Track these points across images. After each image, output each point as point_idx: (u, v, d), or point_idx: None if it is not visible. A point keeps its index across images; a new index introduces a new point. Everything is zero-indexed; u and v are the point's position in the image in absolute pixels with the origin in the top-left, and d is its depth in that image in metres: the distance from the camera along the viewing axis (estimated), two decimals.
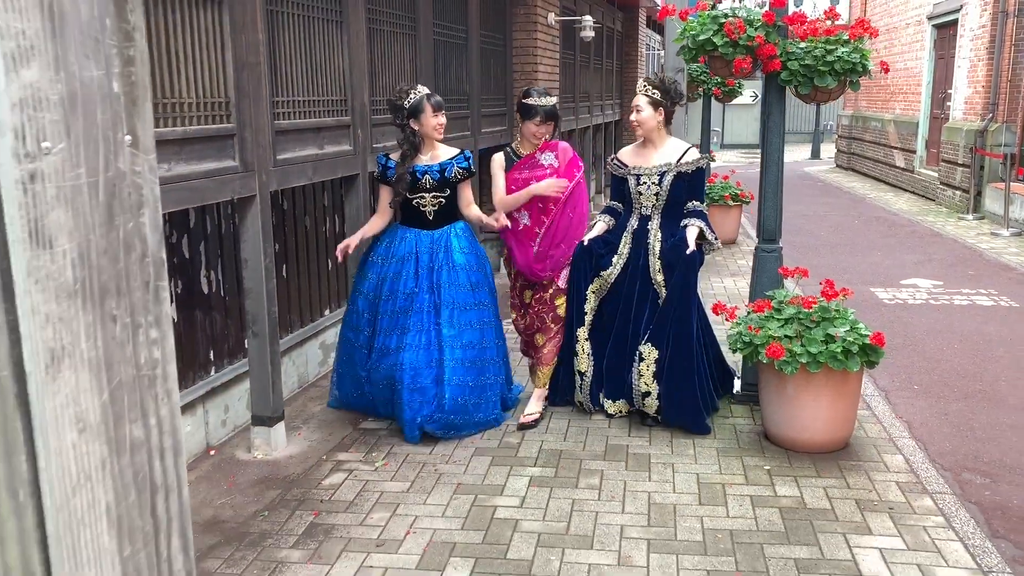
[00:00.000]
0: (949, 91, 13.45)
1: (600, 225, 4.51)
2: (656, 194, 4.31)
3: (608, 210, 4.58)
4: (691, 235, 4.21)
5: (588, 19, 8.47)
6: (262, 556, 3.20)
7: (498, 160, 4.44)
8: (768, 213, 4.52)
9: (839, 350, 3.78)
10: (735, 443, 4.17)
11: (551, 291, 4.47)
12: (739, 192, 9.64)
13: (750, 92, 25.70)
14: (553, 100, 4.33)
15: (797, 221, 11.69)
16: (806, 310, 3.95)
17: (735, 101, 12.60)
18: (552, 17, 8.35)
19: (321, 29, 4.53)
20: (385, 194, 4.28)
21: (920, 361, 5.49)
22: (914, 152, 14.96)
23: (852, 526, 3.35)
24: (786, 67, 4.21)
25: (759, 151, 19.66)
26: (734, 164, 19.23)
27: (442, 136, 4.22)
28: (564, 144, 4.47)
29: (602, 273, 4.38)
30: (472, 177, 4.34)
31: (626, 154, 4.49)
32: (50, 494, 0.78)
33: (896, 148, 16.00)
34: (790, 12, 4.32)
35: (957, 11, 13.03)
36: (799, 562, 3.09)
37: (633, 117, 4.34)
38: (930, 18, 14.44)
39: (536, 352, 4.58)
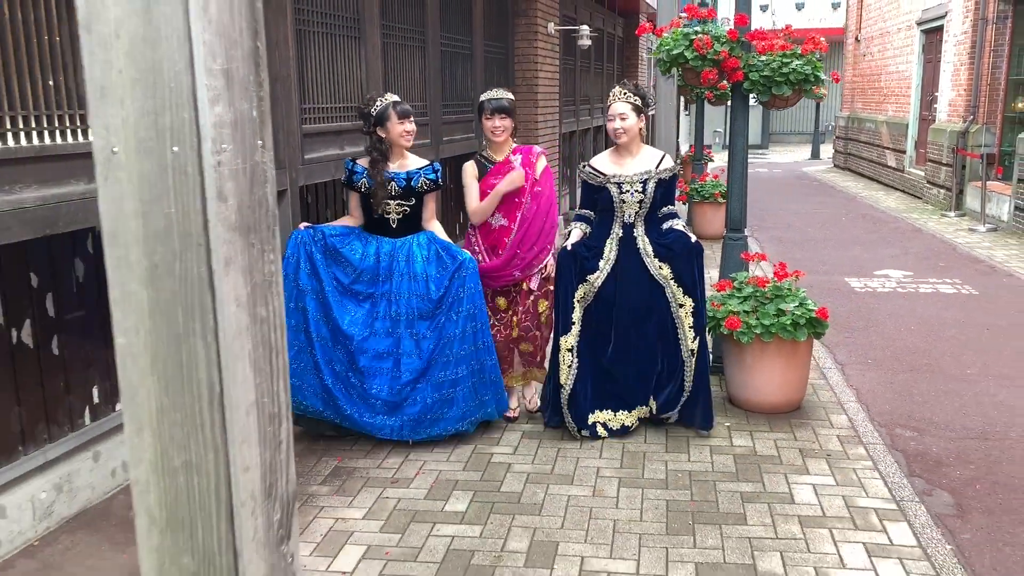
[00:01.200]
0: (936, 94, 14.01)
1: (577, 232, 4.42)
2: (640, 201, 4.26)
3: (580, 218, 4.46)
4: (682, 230, 4.32)
5: (585, 28, 9.08)
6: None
7: (469, 169, 4.43)
8: (734, 206, 5.14)
9: (788, 322, 4.39)
10: None
11: (532, 298, 4.47)
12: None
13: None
14: (505, 94, 4.36)
15: (788, 218, 12.28)
16: (761, 288, 4.56)
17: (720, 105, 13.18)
18: (552, 26, 8.96)
19: (342, 44, 5.16)
20: (354, 199, 4.28)
21: (877, 340, 6.09)
22: (904, 152, 15.52)
23: (793, 468, 3.96)
24: (748, 78, 4.82)
25: (761, 151, 20.40)
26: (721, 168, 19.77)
27: (410, 143, 4.21)
28: (537, 148, 4.52)
29: (588, 278, 4.27)
30: (438, 191, 4.35)
31: (602, 163, 4.38)
32: (223, 340, 1.41)
33: (888, 148, 16.55)
34: (752, 30, 4.92)
35: (943, 17, 13.59)
36: (744, 494, 3.70)
37: (618, 125, 4.23)
38: (919, 23, 15.00)
39: (522, 357, 4.59)
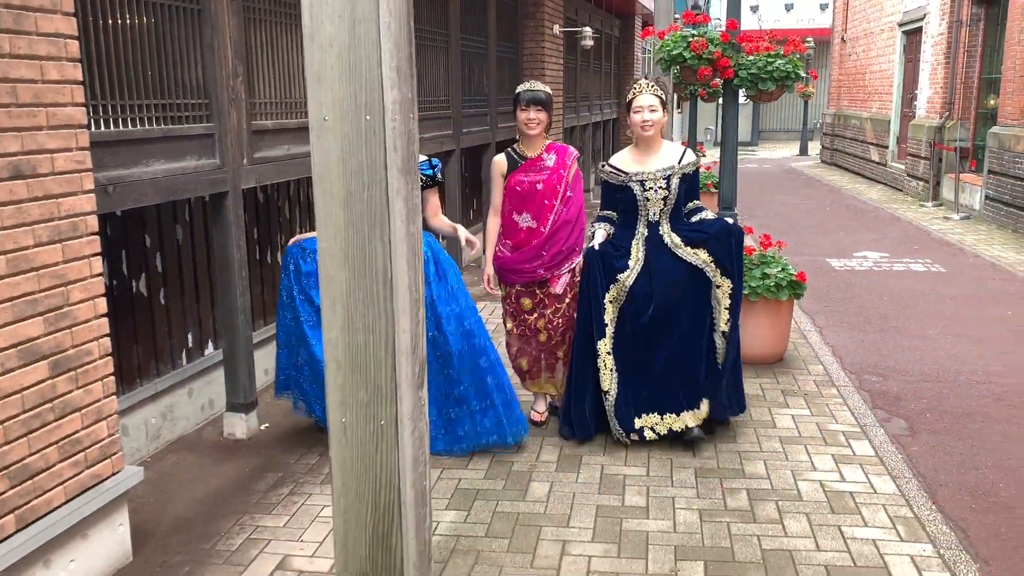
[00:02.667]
0: (916, 91, 14.80)
1: (601, 232, 4.25)
2: (664, 198, 4.08)
3: (603, 219, 4.31)
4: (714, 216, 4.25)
5: (588, 30, 9.82)
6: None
7: (498, 165, 4.23)
8: (725, 186, 5.88)
9: (772, 284, 5.13)
10: None
11: (567, 301, 4.25)
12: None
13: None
14: (541, 86, 4.17)
15: (776, 208, 13.04)
16: (748, 256, 5.31)
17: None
18: (557, 28, 9.70)
19: None
20: None
21: (852, 308, 6.85)
22: (887, 147, 16.32)
23: (776, 404, 4.70)
24: (737, 75, 5.56)
25: (751, 148, 21.21)
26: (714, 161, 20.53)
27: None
28: (573, 149, 4.31)
29: (619, 277, 4.07)
30: (437, 186, 4.14)
31: (622, 160, 4.20)
32: (393, 243, 2.13)
33: (872, 144, 17.35)
34: (740, 32, 5.67)
35: (921, 19, 14.38)
36: (734, 422, 4.43)
37: (647, 117, 4.03)
38: (900, 25, 15.79)
39: (551, 359, 4.36)
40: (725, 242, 4.09)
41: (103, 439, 3.04)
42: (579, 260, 4.21)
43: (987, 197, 11.33)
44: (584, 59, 12.69)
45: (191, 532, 3.40)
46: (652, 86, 4.13)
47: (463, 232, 4.12)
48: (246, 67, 4.25)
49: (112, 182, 3.39)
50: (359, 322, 2.17)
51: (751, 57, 5.56)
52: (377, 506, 2.25)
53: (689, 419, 4.08)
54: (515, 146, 4.26)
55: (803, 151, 25.38)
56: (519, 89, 4.20)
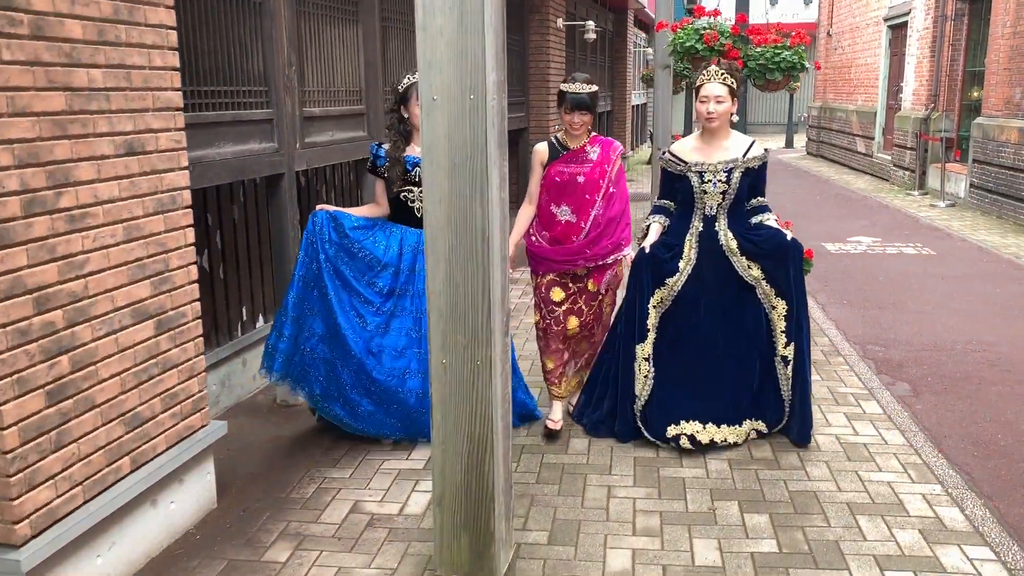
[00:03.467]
0: (901, 84, 15.24)
1: (655, 228, 4.08)
2: (723, 192, 3.88)
3: (659, 210, 4.12)
4: (775, 226, 4.00)
5: (591, 23, 10.15)
6: None
7: (539, 154, 4.08)
8: None
9: None
10: None
11: (599, 299, 4.10)
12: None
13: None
14: (587, 88, 3.94)
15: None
16: None
17: None
18: (560, 21, 10.02)
19: (406, 37, 6.19)
20: (379, 187, 4.02)
21: (852, 287, 7.24)
22: (873, 138, 16.77)
23: None
24: (747, 65, 5.91)
25: None
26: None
27: None
28: (617, 144, 4.10)
29: (667, 281, 3.93)
30: None
31: (684, 149, 4.02)
32: (490, 206, 2.46)
33: (858, 135, 17.80)
34: (749, 26, 6.01)
35: (907, 14, 14.82)
36: None
37: (712, 108, 3.84)
38: (886, 19, 16.23)
39: (576, 357, 4.24)
40: (781, 263, 3.88)
41: (194, 394, 3.35)
42: (625, 252, 4.00)
43: (972, 185, 11.78)
44: (582, 52, 13.02)
45: (266, 482, 3.71)
46: (722, 74, 3.89)
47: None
48: (298, 57, 4.55)
49: (192, 162, 3.69)
50: (459, 276, 2.49)
51: (759, 49, 5.90)
52: (472, 437, 2.58)
53: (730, 434, 3.94)
54: (558, 135, 4.07)
55: (788, 143, 25.85)
56: (564, 88, 3.95)
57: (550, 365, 4.19)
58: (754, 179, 3.98)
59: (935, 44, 13.39)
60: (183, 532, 3.32)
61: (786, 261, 3.89)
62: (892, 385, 4.87)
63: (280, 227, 4.44)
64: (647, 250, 3.96)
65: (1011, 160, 10.51)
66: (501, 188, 2.50)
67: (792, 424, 3.99)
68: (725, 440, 3.93)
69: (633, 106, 19.56)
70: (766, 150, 4.08)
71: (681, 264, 3.94)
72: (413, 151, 3.92)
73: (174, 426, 3.23)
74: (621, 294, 4.18)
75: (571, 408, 4.34)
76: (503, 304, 2.57)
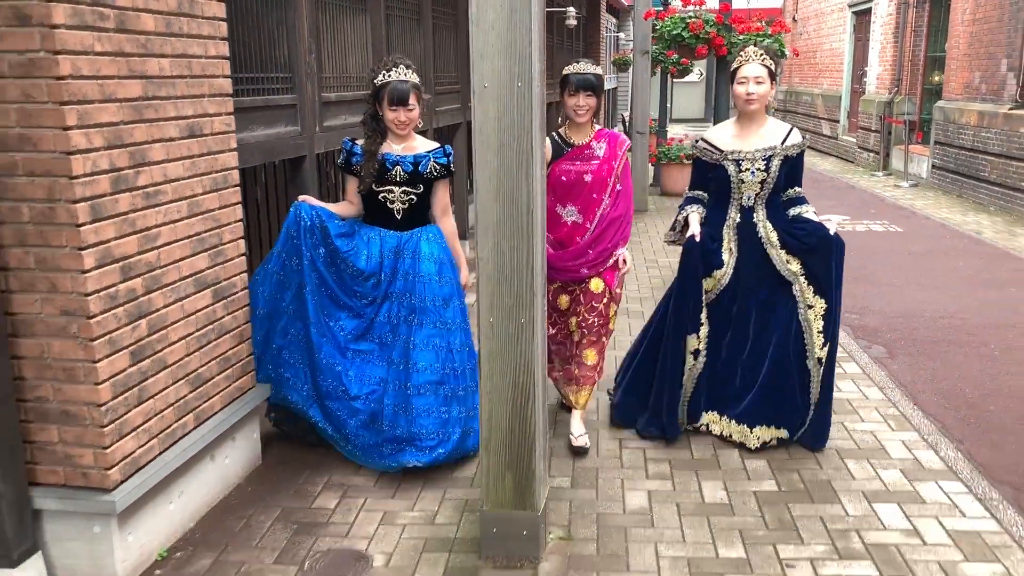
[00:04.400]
0: (865, 69, 15.77)
1: (696, 217, 3.85)
2: (762, 182, 3.71)
3: (693, 200, 3.93)
4: (816, 219, 3.79)
5: (572, 10, 10.45)
6: None
7: None
8: None
9: None
10: None
11: (605, 299, 3.83)
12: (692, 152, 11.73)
13: (697, 71, 27.90)
14: (592, 68, 3.73)
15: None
16: None
17: (684, 79, 14.77)
18: (572, 14, 10.29)
19: (406, 26, 6.45)
20: (352, 184, 3.75)
21: None
22: (838, 121, 17.32)
23: None
24: (730, 52, 6.27)
25: (705, 124, 22.14)
26: (679, 136, 21.40)
27: (406, 132, 3.63)
28: (624, 138, 3.89)
29: (715, 273, 3.80)
30: (450, 177, 3.78)
31: (719, 136, 3.85)
32: (532, 182, 2.78)
33: (823, 119, 18.34)
34: (732, 14, 6.38)
35: (870, 1, 15.32)
36: None
37: (752, 89, 3.66)
38: (850, 6, 16.74)
39: (581, 369, 3.92)
40: (825, 259, 3.69)
41: (244, 358, 3.63)
42: (621, 252, 3.81)
43: (934, 166, 12.32)
44: (559, 38, 13.31)
45: (303, 443, 4.00)
46: (760, 54, 3.72)
47: (465, 270, 3.79)
48: (316, 46, 4.81)
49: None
50: (505, 244, 2.81)
51: (742, 36, 6.27)
52: (516, 386, 2.90)
53: (737, 433, 3.83)
54: (559, 130, 3.85)
55: None
56: (567, 71, 3.75)
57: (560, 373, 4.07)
58: (792, 168, 3.77)
59: (898, 30, 13.90)
60: (235, 485, 3.61)
61: (829, 257, 3.68)
62: (869, 348, 5.30)
63: None
64: (697, 238, 3.74)
65: (970, 142, 11.04)
66: (541, 165, 2.81)
67: (809, 431, 3.79)
68: (730, 436, 3.84)
69: (605, 90, 19.87)
70: (805, 137, 3.87)
71: (725, 256, 3.80)
72: (391, 148, 3.66)
73: (227, 387, 3.51)
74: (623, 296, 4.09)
75: (574, 438, 3.92)
76: (542, 270, 2.89)
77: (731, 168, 3.76)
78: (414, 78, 3.60)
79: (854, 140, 16.04)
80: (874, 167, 14.45)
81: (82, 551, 2.86)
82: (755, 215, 3.79)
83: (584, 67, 3.74)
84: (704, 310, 3.82)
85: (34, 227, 2.64)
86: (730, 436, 3.85)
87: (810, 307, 3.75)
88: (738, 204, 3.81)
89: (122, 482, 2.85)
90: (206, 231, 3.31)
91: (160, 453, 3.08)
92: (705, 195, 3.91)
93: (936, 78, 13.13)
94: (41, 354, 2.73)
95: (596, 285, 3.82)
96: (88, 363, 2.72)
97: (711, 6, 6.84)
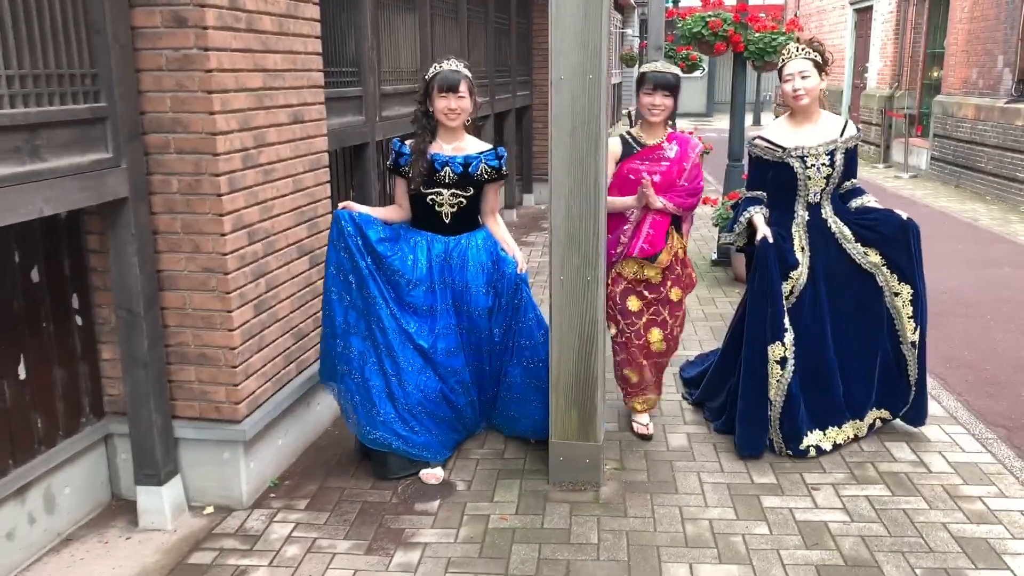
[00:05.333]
0: (866, 64, 16.27)
1: (761, 217, 3.70)
2: (828, 177, 3.63)
3: (753, 201, 3.77)
4: (880, 207, 3.81)
5: None
6: None
7: (610, 148, 3.66)
8: (735, 141, 7.11)
9: None
10: (715, 282, 6.77)
11: (683, 308, 3.88)
12: (706, 146, 12.20)
13: (701, 69, 28.38)
14: (670, 67, 3.70)
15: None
16: None
17: (688, 75, 15.31)
18: None
19: (447, 24, 6.94)
20: (401, 187, 3.63)
21: None
22: (839, 115, 17.78)
23: None
24: (747, 49, 6.76)
25: (706, 119, 22.69)
26: (688, 130, 21.90)
27: (457, 123, 3.49)
28: (696, 141, 3.88)
29: (792, 274, 3.64)
30: (503, 180, 3.66)
31: (777, 133, 3.71)
32: (598, 158, 3.27)
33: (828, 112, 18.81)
34: (749, 14, 6.86)
35: None
36: None
37: (798, 85, 3.57)
38: (852, 3, 17.23)
39: (655, 373, 3.94)
40: (904, 244, 3.66)
41: None
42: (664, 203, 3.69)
43: (933, 158, 12.83)
44: None
45: None
46: (803, 48, 3.63)
47: (520, 258, 3.65)
48: (376, 42, 5.30)
49: None
50: (576, 211, 3.30)
51: (758, 35, 6.76)
52: (582, 335, 3.40)
53: (851, 429, 3.78)
54: (632, 130, 3.81)
55: (756, 121, 26.83)
56: (645, 69, 3.71)
57: (634, 378, 3.92)
58: (850, 160, 3.72)
59: (899, 27, 14.40)
60: (324, 429, 4.11)
61: (908, 243, 3.66)
62: None
63: (364, 188, 5.19)
64: (770, 239, 3.58)
65: (968, 134, 11.54)
66: (605, 146, 3.30)
67: (913, 409, 3.85)
68: (847, 438, 3.75)
69: (611, 85, 20.37)
70: (859, 128, 3.86)
71: (799, 256, 3.66)
72: (440, 148, 3.54)
73: (315, 345, 4.00)
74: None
75: (643, 427, 3.99)
76: (604, 235, 3.39)
77: (796, 165, 3.63)
78: (466, 71, 3.52)
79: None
80: (875, 159, 14.96)
81: (213, 475, 3.36)
82: (823, 211, 3.70)
83: (663, 66, 3.70)
84: (786, 315, 3.63)
85: (181, 196, 3.13)
86: (839, 443, 3.73)
87: (896, 294, 3.72)
88: (804, 201, 3.68)
89: (247, 416, 3.35)
90: (305, 205, 3.80)
91: (273, 394, 3.57)
92: (764, 195, 3.75)
93: (935, 73, 13.62)
94: (183, 305, 3.23)
95: (676, 294, 3.83)
96: (224, 313, 3.22)
97: (729, 3, 7.32)
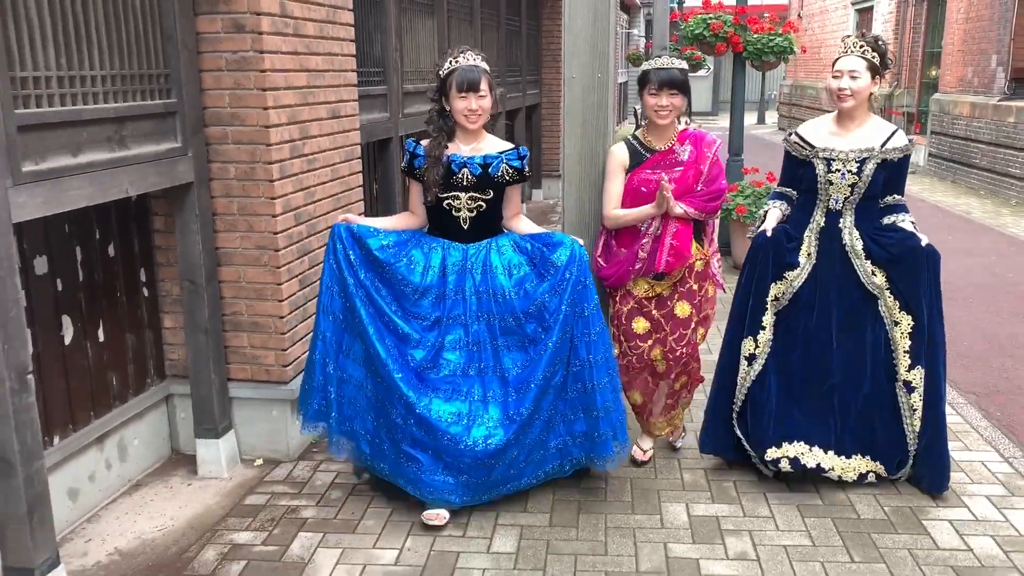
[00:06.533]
0: None
1: (775, 213, 3.53)
2: (852, 185, 3.34)
3: (779, 196, 3.60)
4: (910, 229, 3.38)
5: None
6: None
7: (617, 156, 3.45)
8: (735, 136, 7.51)
9: None
10: None
11: (693, 325, 3.50)
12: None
13: (706, 67, 28.71)
14: (677, 63, 3.38)
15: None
16: (758, 188, 6.93)
17: (694, 74, 15.69)
18: None
19: (462, 26, 7.35)
20: (416, 191, 3.34)
21: None
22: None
23: None
24: (747, 49, 7.15)
25: (712, 117, 23.01)
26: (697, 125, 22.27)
27: (478, 124, 3.22)
28: (712, 138, 3.55)
29: (787, 275, 3.42)
30: (526, 181, 3.41)
31: (813, 131, 3.50)
32: (605, 139, 3.68)
33: (828, 111, 19.16)
34: (748, 16, 7.26)
35: None
36: None
37: (845, 84, 3.30)
38: (853, 4, 17.61)
39: (664, 398, 3.62)
40: (911, 271, 3.33)
41: None
42: (714, 263, 3.58)
43: (930, 154, 13.20)
44: None
45: None
46: (861, 46, 3.33)
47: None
48: (399, 43, 5.71)
49: None
50: (585, 196, 3.70)
51: (756, 35, 7.15)
52: None
53: (838, 465, 3.43)
54: (637, 133, 3.52)
55: (760, 119, 27.21)
56: (647, 66, 3.41)
57: (638, 399, 3.65)
58: (893, 173, 3.38)
59: (898, 27, 14.76)
60: None
61: (918, 270, 3.32)
62: None
63: (387, 181, 5.60)
64: (768, 233, 3.44)
65: (963, 131, 11.92)
66: (611, 136, 3.71)
67: (923, 471, 3.40)
68: (832, 469, 3.41)
69: (618, 84, 20.77)
70: (911, 140, 3.50)
71: (802, 259, 3.42)
72: (458, 149, 3.26)
73: None
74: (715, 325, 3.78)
75: (675, 440, 3.82)
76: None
77: (820, 167, 3.39)
78: (485, 64, 3.22)
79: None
80: None
81: (263, 430, 3.78)
82: (842, 220, 3.40)
83: (667, 60, 3.40)
84: (769, 315, 3.45)
85: (237, 182, 3.55)
86: (831, 469, 3.41)
87: (896, 323, 3.39)
88: (825, 207, 3.43)
89: (294, 377, 3.76)
90: (341, 192, 4.21)
91: None
92: (794, 193, 3.56)
93: (933, 72, 13.98)
94: (238, 279, 3.64)
95: (683, 310, 3.47)
96: (274, 285, 3.63)
97: (732, 2, 7.69)
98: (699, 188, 3.42)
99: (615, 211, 3.45)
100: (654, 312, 3.49)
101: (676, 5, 15.98)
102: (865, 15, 17.14)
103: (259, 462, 3.77)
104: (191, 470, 3.68)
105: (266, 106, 3.46)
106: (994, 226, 9.14)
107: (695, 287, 3.49)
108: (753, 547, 3.06)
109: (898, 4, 14.76)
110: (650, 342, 3.49)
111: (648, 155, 3.45)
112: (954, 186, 11.99)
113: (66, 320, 3.21)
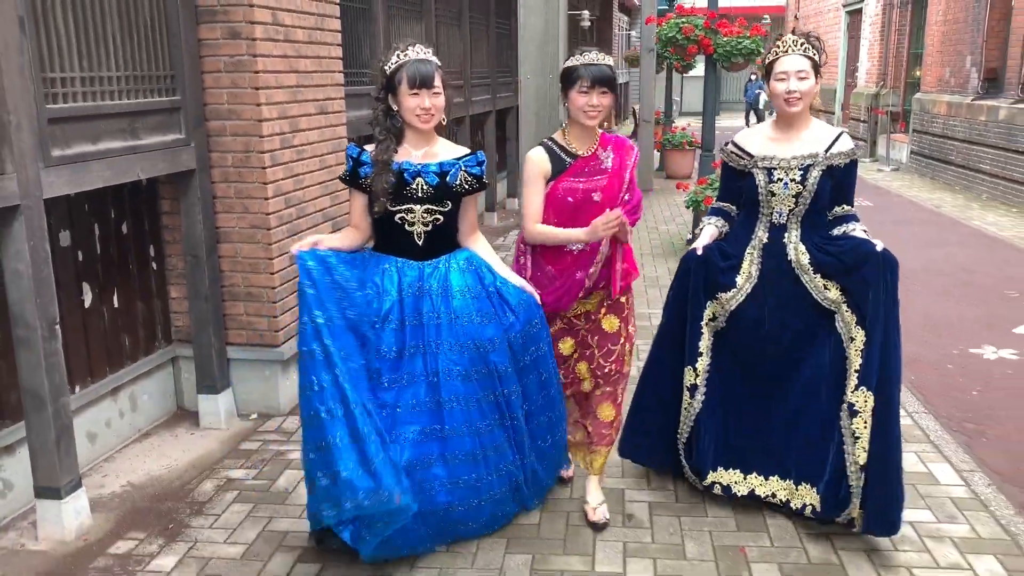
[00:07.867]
0: (857, 64, 17.07)
1: (709, 230, 3.27)
2: (797, 195, 3.05)
3: (717, 212, 3.30)
4: (863, 236, 3.06)
5: (586, 13, 11.85)
6: None
7: (536, 163, 3.01)
8: (706, 133, 7.99)
9: None
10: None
11: (622, 340, 3.17)
12: (694, 140, 13.09)
13: (702, 66, 29.10)
14: (606, 58, 2.99)
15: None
16: None
17: (691, 73, 16.13)
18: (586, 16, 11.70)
19: (450, 30, 7.86)
20: (359, 203, 2.93)
21: None
22: (832, 113, 18.62)
23: None
24: (716, 52, 7.64)
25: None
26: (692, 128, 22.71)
27: (430, 125, 2.85)
28: (632, 142, 3.20)
29: (719, 296, 3.15)
30: (482, 192, 3.07)
31: (750, 139, 3.19)
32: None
33: (820, 110, 19.54)
34: (719, 20, 7.75)
35: (861, 1, 16.63)
36: None
37: (793, 87, 2.98)
38: (844, 6, 18.06)
39: (596, 426, 3.24)
40: (866, 280, 2.96)
41: None
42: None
43: (912, 152, 13.64)
44: (574, 37, 14.68)
45: None
46: (802, 43, 3.02)
47: (527, 284, 3.02)
48: (388, 46, 6.21)
49: None
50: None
51: (726, 39, 7.64)
52: None
53: (779, 488, 3.21)
54: (556, 137, 3.11)
55: (760, 119, 27.64)
56: (575, 62, 2.99)
57: (577, 435, 3.36)
58: (840, 181, 3.09)
59: (884, 29, 15.20)
60: None
61: (873, 278, 2.94)
62: None
63: None
64: (699, 251, 3.17)
65: (941, 129, 12.35)
66: (561, 126, 4.20)
67: (868, 508, 2.95)
68: (773, 495, 3.20)
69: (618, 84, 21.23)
70: (857, 144, 3.28)
71: (739, 279, 3.14)
72: (408, 155, 2.88)
73: None
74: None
75: (592, 511, 3.27)
76: None
77: (760, 177, 3.09)
78: (436, 59, 2.88)
79: (846, 130, 17.36)
80: (862, 155, 15.76)
81: (257, 388, 4.29)
82: (787, 235, 3.10)
83: (597, 56, 3.00)
84: (706, 338, 3.20)
85: (234, 169, 4.06)
86: (771, 495, 3.21)
87: (852, 340, 3.02)
88: (767, 221, 3.13)
89: (285, 342, 4.27)
90: (328, 180, 4.72)
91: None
92: (733, 208, 3.28)
93: (916, 72, 14.41)
94: (235, 254, 4.16)
95: (611, 324, 3.16)
96: (267, 260, 4.14)
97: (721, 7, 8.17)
98: (625, 198, 3.05)
99: (538, 227, 3.00)
100: (582, 330, 3.18)
101: (668, 7, 16.46)
102: (855, 17, 17.58)
103: (254, 416, 4.28)
104: (194, 423, 4.19)
105: (259, 103, 3.97)
106: (961, 219, 9.61)
107: (622, 299, 3.17)
108: None
109: (884, 7, 15.19)
110: (574, 357, 3.20)
111: (571, 161, 3.03)
112: (932, 182, 12.43)
113: (86, 287, 3.73)
